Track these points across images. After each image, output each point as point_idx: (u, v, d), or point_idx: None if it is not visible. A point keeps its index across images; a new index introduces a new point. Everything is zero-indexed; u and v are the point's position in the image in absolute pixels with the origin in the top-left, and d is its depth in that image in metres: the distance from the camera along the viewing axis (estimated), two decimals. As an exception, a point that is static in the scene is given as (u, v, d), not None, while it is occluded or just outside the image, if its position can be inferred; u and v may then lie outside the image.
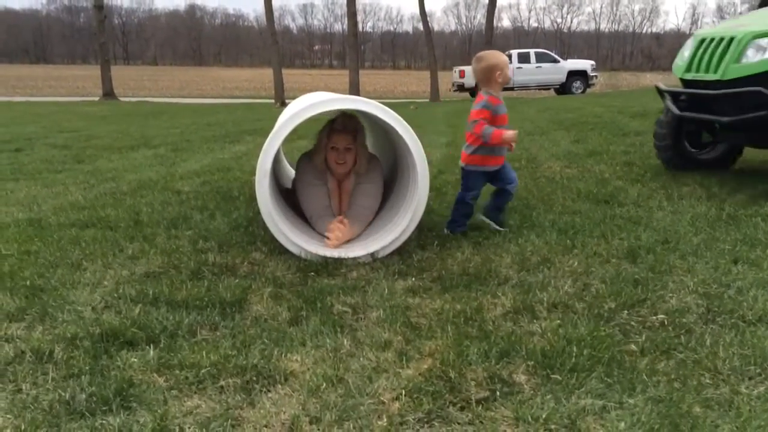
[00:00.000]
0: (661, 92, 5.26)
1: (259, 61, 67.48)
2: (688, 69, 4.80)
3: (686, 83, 4.93)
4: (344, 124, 3.61)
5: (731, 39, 4.38)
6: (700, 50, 4.70)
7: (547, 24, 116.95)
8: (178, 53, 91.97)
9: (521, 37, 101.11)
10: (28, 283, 2.87)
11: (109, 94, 26.45)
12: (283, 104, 19.86)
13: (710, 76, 4.48)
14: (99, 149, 8.04)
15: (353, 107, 3.39)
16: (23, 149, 7.99)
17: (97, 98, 26.12)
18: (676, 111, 4.98)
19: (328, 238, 3.35)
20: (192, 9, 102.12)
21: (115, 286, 2.86)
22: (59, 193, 5.07)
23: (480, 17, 79.37)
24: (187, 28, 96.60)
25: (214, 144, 8.66)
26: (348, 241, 3.41)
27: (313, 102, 3.33)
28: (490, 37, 25.91)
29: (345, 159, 3.62)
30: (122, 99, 26.06)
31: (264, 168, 3.20)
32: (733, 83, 4.38)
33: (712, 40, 4.61)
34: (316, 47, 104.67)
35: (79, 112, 16.47)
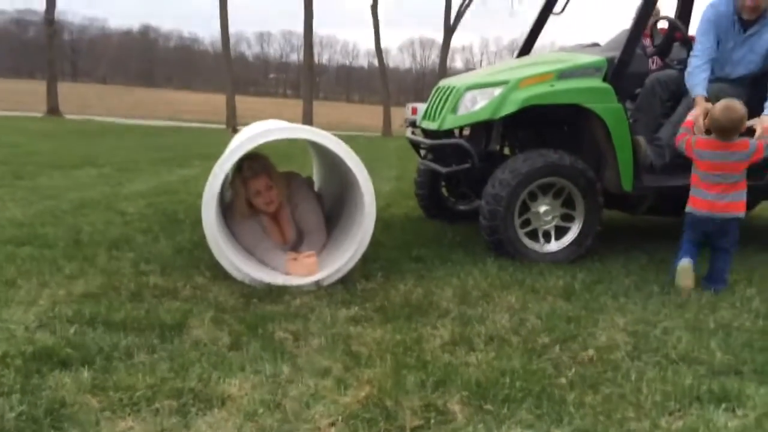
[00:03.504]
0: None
1: (212, 86, 67.02)
2: (424, 117, 4.75)
3: (423, 131, 4.90)
4: (252, 168, 3.56)
5: (453, 89, 4.35)
6: (433, 99, 4.67)
7: (497, 63, 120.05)
8: (129, 73, 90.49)
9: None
10: (-42, 299, 2.79)
11: (54, 111, 25.79)
12: (235, 130, 19.75)
13: (433, 125, 4.43)
14: (40, 166, 7.83)
15: (305, 137, 3.46)
16: (-41, 162, 7.72)
17: (40, 114, 25.42)
18: (419, 159, 5.09)
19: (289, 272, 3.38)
20: (146, 30, 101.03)
21: (51, 305, 2.80)
22: (-4, 209, 4.92)
23: (434, 57, 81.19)
24: (140, 48, 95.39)
25: (162, 166, 8.55)
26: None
27: (266, 129, 3.37)
28: (443, 76, 26.54)
29: (271, 197, 3.61)
30: (68, 116, 25.44)
31: (212, 192, 3.21)
32: (449, 134, 4.40)
33: (442, 89, 4.59)
34: (272, 75, 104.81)
35: (20, 128, 15.99)
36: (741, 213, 3.51)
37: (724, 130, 3.42)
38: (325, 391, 2.12)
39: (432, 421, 1.96)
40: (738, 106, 3.42)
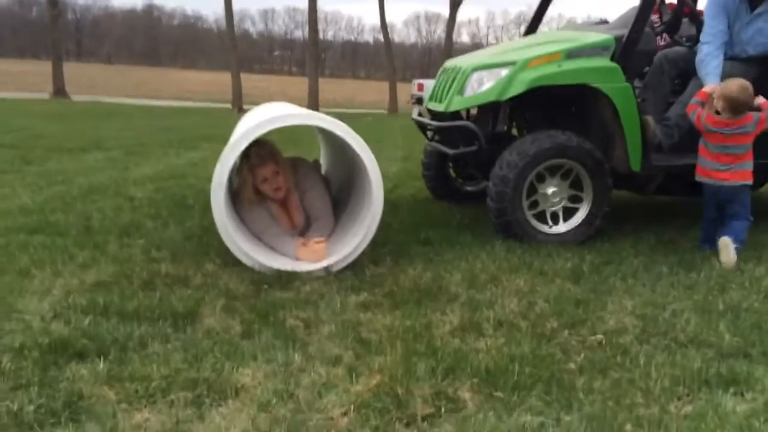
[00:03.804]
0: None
1: (217, 64, 66.62)
2: (431, 98, 4.70)
3: (430, 113, 4.84)
4: (259, 155, 3.55)
5: (459, 70, 4.30)
6: (440, 80, 4.59)
7: (505, 41, 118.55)
8: (133, 52, 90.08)
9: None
10: (-27, 290, 2.82)
11: (60, 91, 25.75)
12: (241, 110, 19.71)
13: (440, 107, 4.38)
14: (48, 150, 7.85)
15: (311, 123, 3.46)
16: (-32, 147, 7.75)
17: (47, 95, 25.39)
18: (426, 140, 5.08)
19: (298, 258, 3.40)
20: (149, 8, 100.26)
21: (65, 295, 2.84)
22: (6, 196, 4.95)
23: (440, 31, 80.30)
24: (143, 27, 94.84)
25: (169, 149, 8.56)
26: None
27: (274, 116, 3.37)
28: (449, 51, 26.29)
29: (278, 183, 3.61)
30: (74, 97, 25.40)
31: (220, 180, 3.22)
32: (456, 115, 4.37)
33: (449, 70, 4.54)
34: (276, 53, 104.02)
35: (28, 110, 16.01)
36: (748, 181, 3.67)
37: (739, 106, 3.57)
38: (337, 380, 2.15)
39: (443, 409, 1.98)
40: (747, 82, 3.59)
